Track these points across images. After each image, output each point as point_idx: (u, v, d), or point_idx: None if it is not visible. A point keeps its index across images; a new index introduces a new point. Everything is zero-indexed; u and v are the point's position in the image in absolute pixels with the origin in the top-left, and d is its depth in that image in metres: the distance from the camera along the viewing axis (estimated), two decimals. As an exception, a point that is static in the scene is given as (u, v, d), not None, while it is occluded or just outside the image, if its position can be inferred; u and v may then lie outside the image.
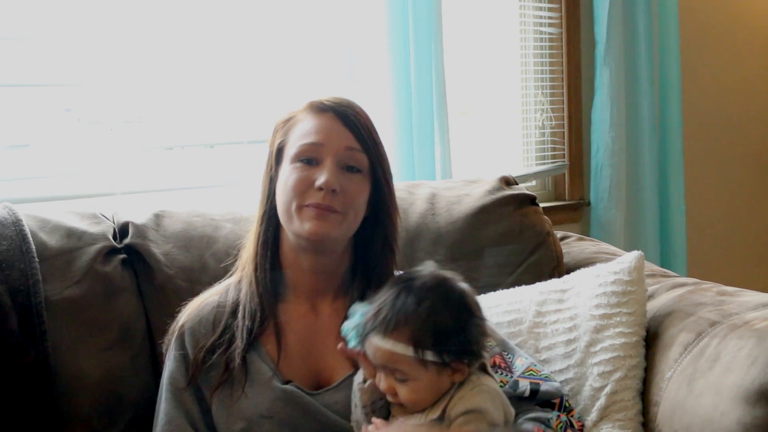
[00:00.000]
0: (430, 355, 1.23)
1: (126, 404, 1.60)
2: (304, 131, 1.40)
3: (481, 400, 1.26)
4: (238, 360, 1.37)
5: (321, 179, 1.35)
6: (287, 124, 1.44)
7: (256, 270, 1.43)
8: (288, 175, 1.39)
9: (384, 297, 1.27)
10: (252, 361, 1.39)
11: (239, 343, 1.39)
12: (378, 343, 1.24)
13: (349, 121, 1.40)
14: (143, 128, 2.20)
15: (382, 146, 1.45)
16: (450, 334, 1.25)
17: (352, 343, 1.29)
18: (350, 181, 1.38)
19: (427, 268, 1.31)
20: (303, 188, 1.36)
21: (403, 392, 1.25)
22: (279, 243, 1.44)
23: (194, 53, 2.21)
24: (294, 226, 1.38)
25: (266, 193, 1.44)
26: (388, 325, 1.24)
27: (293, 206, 1.37)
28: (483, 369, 1.31)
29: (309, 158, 1.38)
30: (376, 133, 1.44)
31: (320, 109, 1.41)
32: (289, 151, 1.40)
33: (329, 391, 1.39)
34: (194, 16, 2.20)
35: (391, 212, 1.45)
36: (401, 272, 1.37)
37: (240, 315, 1.41)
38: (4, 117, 1.99)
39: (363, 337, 1.26)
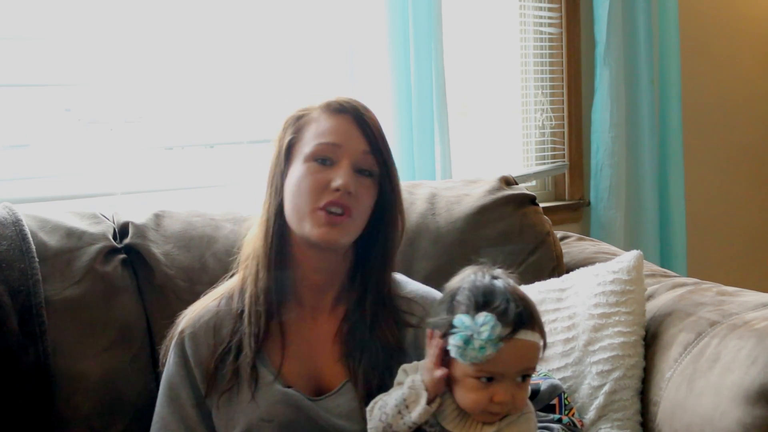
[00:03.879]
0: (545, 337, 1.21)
1: (126, 404, 1.59)
2: (320, 130, 1.39)
3: (527, 429, 1.24)
4: (248, 370, 1.37)
5: (338, 181, 1.34)
6: (299, 121, 1.42)
7: (265, 268, 1.40)
8: (302, 175, 1.37)
9: (502, 294, 1.18)
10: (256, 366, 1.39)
11: (248, 352, 1.38)
12: (528, 337, 1.17)
13: (366, 126, 1.39)
14: (143, 128, 2.20)
15: (391, 153, 1.44)
16: None
17: (489, 351, 1.14)
18: (362, 185, 1.38)
19: (465, 271, 1.28)
20: (318, 190, 1.35)
21: (521, 393, 1.19)
22: (287, 240, 1.41)
23: (194, 53, 2.21)
24: (304, 229, 1.37)
25: (276, 190, 1.41)
26: (529, 318, 1.18)
27: (307, 209, 1.36)
28: None
29: (324, 158, 1.37)
30: (386, 140, 1.44)
31: (338, 110, 1.40)
32: (303, 149, 1.39)
33: (330, 396, 1.38)
34: (194, 16, 2.20)
35: (394, 220, 1.44)
36: (471, 272, 1.28)
37: (246, 321, 1.40)
38: (4, 117, 1.99)
39: (511, 337, 1.15)
